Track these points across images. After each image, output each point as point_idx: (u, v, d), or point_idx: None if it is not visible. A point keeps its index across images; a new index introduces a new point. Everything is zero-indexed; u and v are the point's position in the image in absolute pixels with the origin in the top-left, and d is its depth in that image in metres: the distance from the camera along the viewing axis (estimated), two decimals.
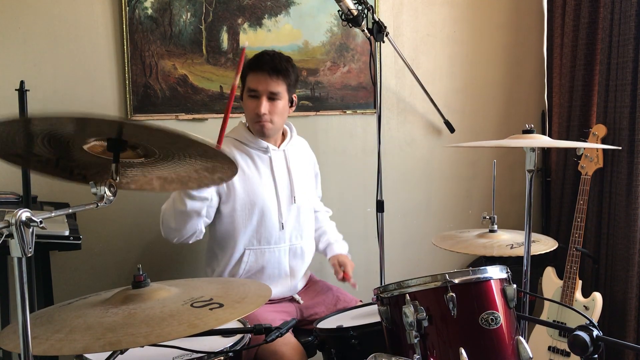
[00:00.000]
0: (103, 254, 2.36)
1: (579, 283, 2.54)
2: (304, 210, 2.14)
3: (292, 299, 2.13)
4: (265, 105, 1.98)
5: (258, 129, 2.02)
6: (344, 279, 2.10)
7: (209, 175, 1.30)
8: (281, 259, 2.07)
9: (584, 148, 2.60)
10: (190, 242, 2.02)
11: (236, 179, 1.98)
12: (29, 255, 0.94)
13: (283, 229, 2.05)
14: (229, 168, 1.23)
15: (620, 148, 1.95)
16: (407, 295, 1.39)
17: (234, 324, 1.55)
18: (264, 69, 1.97)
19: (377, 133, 2.18)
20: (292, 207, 2.09)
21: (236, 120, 2.30)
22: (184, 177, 1.30)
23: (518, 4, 3.03)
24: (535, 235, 1.97)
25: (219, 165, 1.24)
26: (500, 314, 1.38)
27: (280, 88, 1.99)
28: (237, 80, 1.68)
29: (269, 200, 2.03)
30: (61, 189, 2.24)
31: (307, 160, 2.24)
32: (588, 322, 1.36)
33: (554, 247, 1.90)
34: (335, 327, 1.75)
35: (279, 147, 2.10)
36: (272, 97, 1.99)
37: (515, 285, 1.44)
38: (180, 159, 1.22)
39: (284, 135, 2.15)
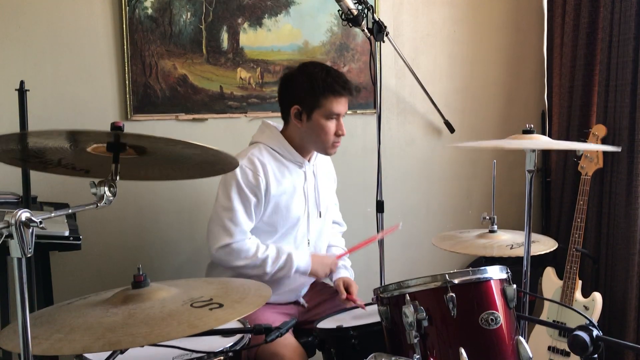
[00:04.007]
0: (103, 254, 2.36)
1: (579, 283, 2.54)
2: (327, 223, 2.16)
3: (296, 302, 2.12)
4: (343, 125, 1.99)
5: (333, 151, 2.02)
6: (347, 300, 2.03)
7: (211, 167, 1.32)
8: None
9: None
10: None
11: (272, 192, 1.95)
12: (29, 255, 0.94)
13: (310, 242, 2.07)
14: (230, 162, 1.26)
15: (619, 149, 1.93)
16: (407, 295, 1.39)
17: (234, 324, 1.55)
18: (348, 94, 1.96)
19: (377, 133, 2.17)
20: (318, 222, 2.09)
21: (234, 121, 2.28)
22: (186, 169, 1.32)
23: (518, 4, 3.03)
24: (535, 236, 1.97)
25: (219, 160, 1.26)
26: (500, 314, 1.39)
27: None
28: (378, 238, 2.02)
29: (299, 214, 2.02)
30: (61, 189, 2.24)
31: (329, 172, 2.23)
32: (588, 322, 1.36)
33: (554, 248, 1.90)
34: (335, 327, 1.75)
35: (309, 161, 2.07)
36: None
37: (515, 286, 1.44)
38: (181, 156, 1.23)
39: None
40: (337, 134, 1.97)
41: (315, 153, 2.09)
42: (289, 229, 2.02)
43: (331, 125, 1.95)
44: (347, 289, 2.05)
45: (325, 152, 2.02)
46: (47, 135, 1.06)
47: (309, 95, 1.93)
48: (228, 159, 1.26)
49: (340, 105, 1.95)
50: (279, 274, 1.95)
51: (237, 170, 1.90)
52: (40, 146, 1.10)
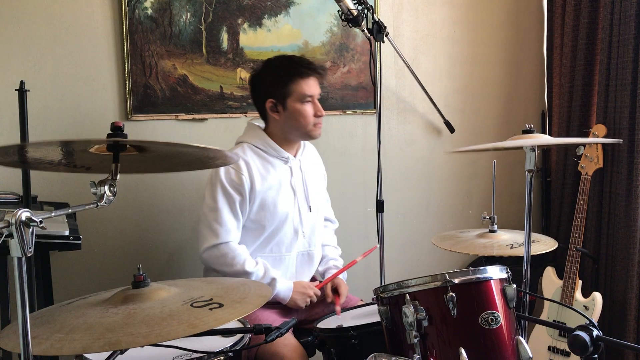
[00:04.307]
0: (103, 254, 2.36)
1: (579, 283, 2.54)
2: (318, 218, 2.16)
3: None
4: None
5: (317, 132, 2.04)
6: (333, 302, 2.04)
7: (211, 162, 1.34)
8: (290, 265, 2.08)
9: (584, 148, 2.60)
10: None
11: (258, 188, 1.98)
12: (29, 255, 0.94)
13: (305, 237, 2.08)
14: (229, 158, 1.28)
15: (621, 141, 1.93)
16: (407, 295, 1.39)
17: (234, 324, 1.55)
18: (315, 75, 2.01)
19: (377, 133, 2.18)
20: (309, 216, 2.10)
21: (233, 121, 2.27)
22: (186, 163, 1.33)
23: (518, 4, 3.03)
24: (535, 235, 1.97)
25: (219, 156, 1.28)
26: (500, 314, 1.38)
27: None
28: (360, 259, 2.04)
29: (288, 209, 2.03)
30: (61, 188, 2.24)
31: (318, 167, 2.24)
32: (588, 322, 1.36)
33: (554, 247, 1.90)
34: (335, 327, 1.75)
35: (295, 156, 2.09)
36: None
37: (515, 285, 1.44)
38: (181, 154, 1.24)
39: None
40: (317, 115, 2.01)
41: (302, 148, 2.12)
42: (278, 225, 2.02)
43: (308, 108, 1.99)
44: (337, 290, 2.06)
45: (309, 135, 2.04)
46: (46, 145, 1.07)
47: (279, 86, 1.98)
48: (228, 156, 1.27)
49: (310, 86, 1.99)
50: (264, 283, 1.95)
51: (221, 170, 1.94)
52: (40, 153, 1.10)
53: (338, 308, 1.97)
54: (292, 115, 1.99)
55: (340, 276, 2.13)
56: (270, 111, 2.01)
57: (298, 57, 2.07)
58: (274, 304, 2.03)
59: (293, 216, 2.05)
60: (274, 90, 1.99)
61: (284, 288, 1.98)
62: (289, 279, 2.07)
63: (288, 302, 2.00)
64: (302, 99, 1.98)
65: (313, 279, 2.23)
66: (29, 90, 1.90)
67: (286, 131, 2.03)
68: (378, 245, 2.14)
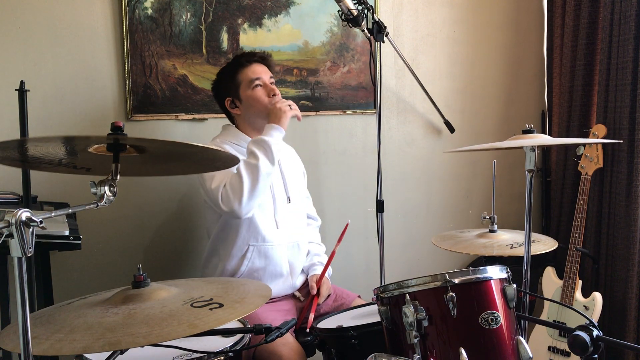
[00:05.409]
0: (103, 254, 2.36)
1: (579, 283, 2.54)
2: (299, 208, 2.18)
3: (292, 296, 2.14)
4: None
5: None
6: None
7: (211, 164, 1.35)
8: (281, 256, 2.08)
9: (584, 148, 2.60)
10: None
11: None
12: (29, 255, 0.94)
13: (278, 228, 2.07)
14: (229, 159, 1.29)
15: (621, 142, 1.93)
16: (407, 295, 1.39)
17: (234, 324, 1.55)
18: (256, 60, 2.11)
19: (377, 133, 2.18)
20: (288, 207, 2.11)
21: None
22: (186, 166, 1.33)
23: (518, 4, 3.03)
24: (535, 235, 1.97)
25: (219, 157, 1.28)
26: (500, 314, 1.38)
27: None
28: (337, 247, 2.04)
29: (264, 199, 2.03)
30: (61, 188, 2.24)
31: (296, 164, 2.28)
32: (588, 322, 1.36)
33: (554, 247, 1.90)
34: (335, 327, 1.75)
35: None
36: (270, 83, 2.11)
37: (515, 285, 1.44)
38: (181, 154, 1.24)
39: None
40: (271, 96, 2.07)
41: None
42: (258, 214, 2.02)
43: (259, 91, 2.07)
44: (318, 289, 2.08)
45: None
46: (47, 141, 1.07)
47: (229, 82, 2.09)
48: (228, 157, 1.28)
49: (254, 71, 2.08)
50: (272, 152, 1.93)
51: None
52: (40, 151, 1.10)
53: (311, 316, 1.94)
54: (248, 103, 2.07)
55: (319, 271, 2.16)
56: (230, 109, 2.11)
57: (242, 53, 2.19)
58: (274, 303, 2.03)
59: (270, 206, 2.06)
60: (227, 88, 2.10)
61: (270, 129, 1.98)
62: (282, 271, 2.08)
63: (281, 122, 1.99)
64: (250, 85, 2.06)
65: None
66: (29, 90, 1.90)
67: (251, 121, 2.10)
68: (349, 221, 2.16)
